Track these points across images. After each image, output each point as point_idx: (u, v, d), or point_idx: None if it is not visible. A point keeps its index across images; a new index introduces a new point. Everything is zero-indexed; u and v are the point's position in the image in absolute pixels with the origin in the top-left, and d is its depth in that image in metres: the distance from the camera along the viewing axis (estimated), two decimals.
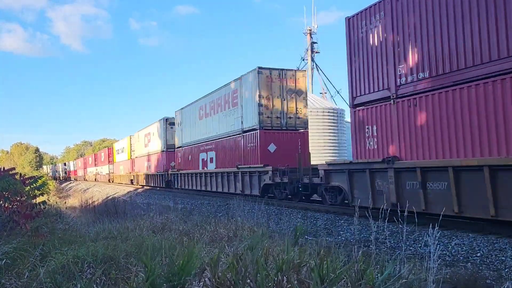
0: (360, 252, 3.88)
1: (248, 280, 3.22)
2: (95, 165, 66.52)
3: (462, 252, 7.79)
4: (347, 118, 32.63)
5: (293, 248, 4.66)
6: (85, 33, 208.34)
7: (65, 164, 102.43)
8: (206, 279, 3.43)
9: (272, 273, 3.36)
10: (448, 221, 9.26)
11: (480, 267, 6.89)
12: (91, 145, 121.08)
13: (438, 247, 3.98)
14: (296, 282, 3.23)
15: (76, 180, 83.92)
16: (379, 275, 3.42)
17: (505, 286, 4.17)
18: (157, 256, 4.41)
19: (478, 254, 7.59)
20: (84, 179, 75.91)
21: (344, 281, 3.33)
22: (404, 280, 3.47)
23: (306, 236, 9.63)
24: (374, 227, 4.93)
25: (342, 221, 11.65)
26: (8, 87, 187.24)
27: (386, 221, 5.28)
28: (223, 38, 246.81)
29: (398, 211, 4.98)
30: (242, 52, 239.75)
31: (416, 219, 5.34)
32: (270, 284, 3.28)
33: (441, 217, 5.18)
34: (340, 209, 13.19)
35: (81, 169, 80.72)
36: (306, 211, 13.86)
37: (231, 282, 3.28)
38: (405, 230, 4.97)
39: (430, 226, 4.13)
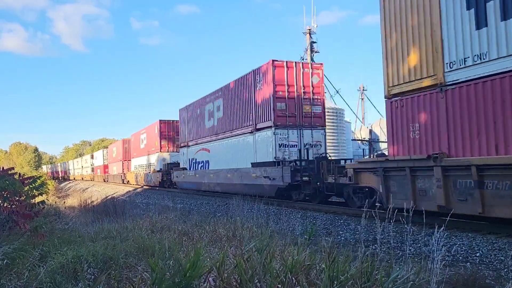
0: (367, 254, 3.88)
1: (256, 281, 3.21)
2: (149, 151, 35.61)
3: (462, 252, 7.80)
4: (347, 118, 32.65)
5: (305, 249, 4.65)
6: (86, 33, 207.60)
7: (92, 157, 66.89)
8: (210, 279, 3.43)
9: (281, 274, 3.36)
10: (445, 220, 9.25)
11: (480, 267, 6.90)
12: (90, 145, 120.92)
13: (443, 248, 3.98)
14: (305, 283, 3.23)
15: (105, 181, 53.38)
16: (385, 278, 3.42)
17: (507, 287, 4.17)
18: (164, 258, 4.40)
19: (478, 254, 7.60)
20: (125, 182, 43.76)
21: (351, 282, 3.33)
22: (410, 283, 3.48)
23: (305, 236, 9.63)
24: (380, 228, 4.93)
25: (341, 221, 11.66)
26: (8, 86, 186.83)
27: (392, 222, 5.25)
28: (224, 37, 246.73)
29: (409, 211, 4.94)
30: (242, 52, 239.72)
31: (424, 220, 5.35)
32: (279, 285, 3.28)
33: (448, 217, 5.19)
34: (339, 209, 13.19)
35: (116, 163, 48.10)
36: (306, 211, 13.86)
37: (237, 282, 3.27)
38: (410, 231, 4.97)
39: (436, 227, 4.14)
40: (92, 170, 65.23)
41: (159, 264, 3.27)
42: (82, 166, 74.39)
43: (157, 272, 3.02)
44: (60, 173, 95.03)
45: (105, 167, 54.81)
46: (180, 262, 3.36)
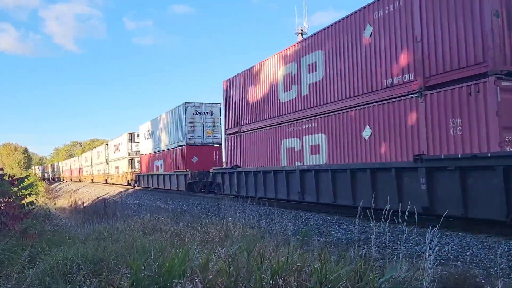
0: (360, 253, 3.87)
1: (241, 284, 3.18)
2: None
3: (452, 251, 7.85)
4: None
5: (296, 249, 4.63)
6: (78, 33, 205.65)
7: (131, 139, 38.53)
8: (197, 280, 3.40)
9: (267, 276, 3.32)
10: (438, 220, 9.32)
11: (470, 266, 6.95)
12: (81, 146, 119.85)
13: (436, 247, 4.00)
14: (295, 284, 3.20)
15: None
16: (377, 278, 3.41)
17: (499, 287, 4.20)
18: (145, 258, 4.36)
19: (468, 253, 7.65)
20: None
21: (343, 283, 3.31)
22: (403, 282, 3.47)
23: (297, 236, 9.63)
24: (375, 227, 4.93)
25: (333, 221, 11.69)
26: None
27: (387, 222, 5.26)
28: (219, 37, 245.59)
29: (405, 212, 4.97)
30: (238, 52, 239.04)
31: (416, 219, 5.39)
32: (266, 287, 3.25)
33: (442, 217, 5.21)
34: (332, 209, 13.24)
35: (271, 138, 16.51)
36: (298, 211, 13.88)
37: (222, 285, 3.24)
38: (405, 230, 4.98)
39: (430, 227, 4.16)
40: (132, 163, 37.08)
41: (138, 263, 3.23)
42: (106, 159, 46.47)
43: (136, 270, 3.00)
44: (70, 172, 70.68)
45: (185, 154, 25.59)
46: (158, 262, 3.34)
